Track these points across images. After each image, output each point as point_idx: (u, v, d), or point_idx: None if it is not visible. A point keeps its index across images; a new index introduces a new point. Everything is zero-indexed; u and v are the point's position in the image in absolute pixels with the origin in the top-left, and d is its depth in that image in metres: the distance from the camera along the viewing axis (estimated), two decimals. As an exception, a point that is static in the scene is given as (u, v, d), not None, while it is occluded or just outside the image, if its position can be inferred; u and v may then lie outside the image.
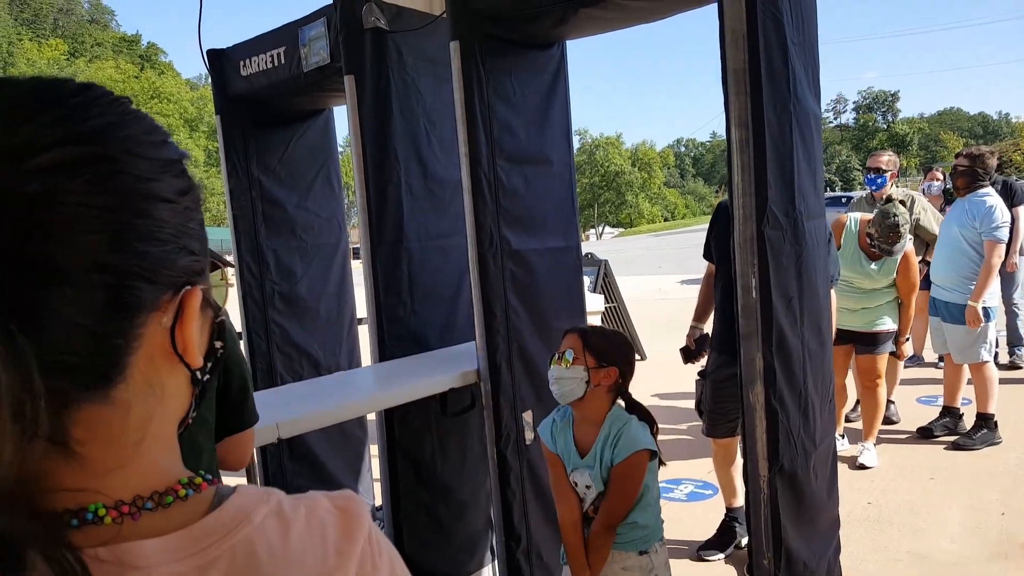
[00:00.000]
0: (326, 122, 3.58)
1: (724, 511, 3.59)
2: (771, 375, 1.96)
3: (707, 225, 3.50)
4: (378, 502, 4.02)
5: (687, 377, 6.93)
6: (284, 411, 2.03)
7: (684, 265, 19.24)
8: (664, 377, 6.84)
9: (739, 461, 3.54)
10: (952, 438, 4.73)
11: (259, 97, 3.20)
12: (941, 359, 6.40)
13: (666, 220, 63.18)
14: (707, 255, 3.54)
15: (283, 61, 2.99)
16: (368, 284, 2.83)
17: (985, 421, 4.61)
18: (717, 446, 3.51)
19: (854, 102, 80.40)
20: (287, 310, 3.48)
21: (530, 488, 2.58)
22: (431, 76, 2.94)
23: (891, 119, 76.00)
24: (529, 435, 2.56)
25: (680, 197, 74.68)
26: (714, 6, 1.97)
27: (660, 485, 4.36)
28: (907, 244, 4.24)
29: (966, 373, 4.83)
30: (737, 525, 3.53)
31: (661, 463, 2.10)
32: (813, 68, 2.17)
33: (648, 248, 28.83)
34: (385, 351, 2.86)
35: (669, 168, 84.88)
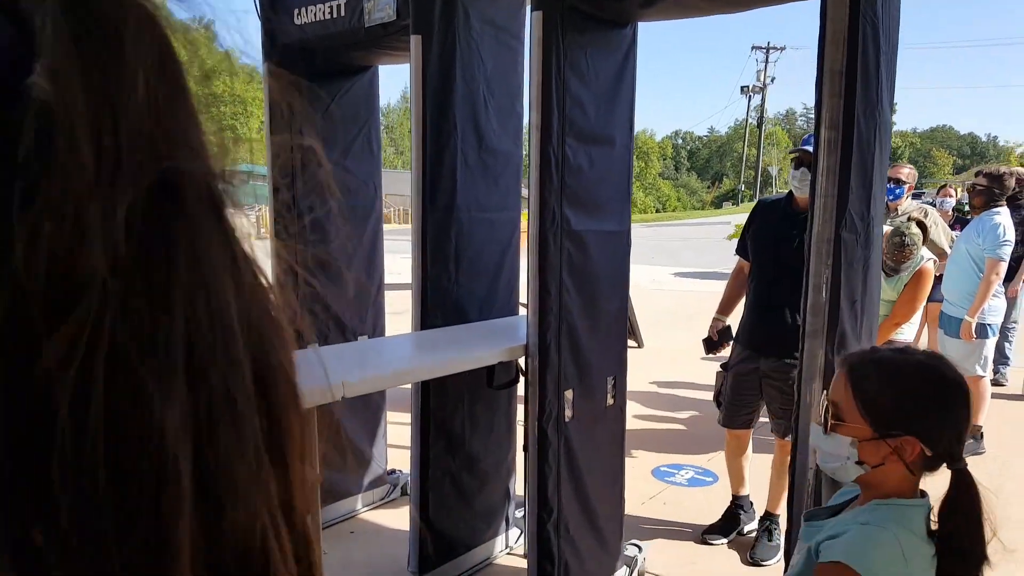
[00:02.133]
0: (371, 80, 3.54)
1: (729, 498, 3.67)
2: (829, 373, 2.00)
3: (700, 220, 3.56)
4: (390, 466, 4.06)
5: (684, 366, 7.07)
6: (347, 372, 2.03)
7: (676, 257, 19.38)
8: (662, 366, 6.93)
9: (749, 452, 3.62)
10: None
11: (311, 47, 3.15)
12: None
13: (658, 211, 63.36)
14: (741, 251, 3.58)
15: (343, 13, 2.93)
16: (416, 251, 2.83)
17: (973, 432, 4.74)
18: (731, 436, 3.57)
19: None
20: (318, 271, 3.35)
21: (564, 465, 2.61)
22: (494, 41, 2.91)
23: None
24: (568, 413, 2.59)
25: (673, 190, 74.85)
26: (802, 3, 1.97)
27: (660, 469, 4.50)
28: (921, 263, 4.27)
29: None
30: (742, 512, 3.61)
31: None
32: (891, 77, 2.18)
33: (642, 238, 28.81)
34: (427, 320, 2.87)
35: (666, 159, 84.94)
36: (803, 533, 1.40)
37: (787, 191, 3.38)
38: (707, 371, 6.85)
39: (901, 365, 1.24)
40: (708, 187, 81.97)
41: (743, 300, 3.51)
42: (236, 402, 0.30)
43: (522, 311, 3.31)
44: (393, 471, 4.06)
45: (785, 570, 2.16)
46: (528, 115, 2.40)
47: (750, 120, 67.23)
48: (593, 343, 2.67)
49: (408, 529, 3.54)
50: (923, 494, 1.28)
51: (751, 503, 3.66)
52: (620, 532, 3.02)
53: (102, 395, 0.26)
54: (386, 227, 3.67)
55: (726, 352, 3.60)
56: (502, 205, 3.08)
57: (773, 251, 3.27)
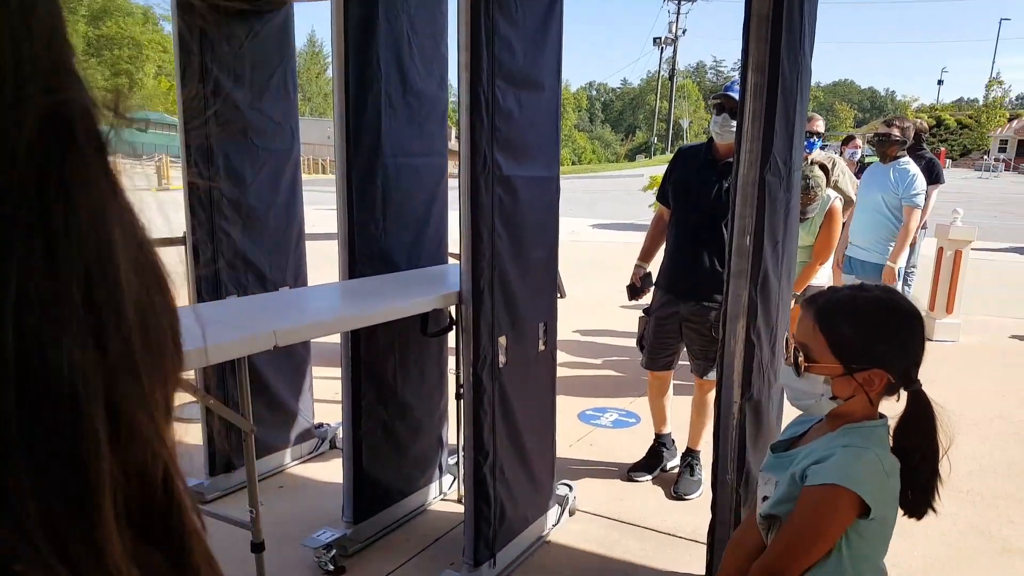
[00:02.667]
0: (285, 20, 3.36)
1: (652, 438, 3.81)
2: (753, 311, 2.08)
3: (615, 173, 3.63)
4: (317, 420, 4.00)
5: (605, 316, 7.23)
6: (279, 320, 1.97)
7: (593, 209, 19.61)
8: (584, 315, 7.06)
9: (671, 392, 3.76)
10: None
11: (224, -14, 2.97)
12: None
13: (573, 163, 63.72)
14: (661, 198, 3.65)
15: (259, -52, 2.77)
16: (341, 197, 2.75)
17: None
18: (653, 378, 3.70)
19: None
20: (234, 217, 3.31)
21: (499, 410, 2.64)
22: (416, -17, 2.82)
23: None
24: (502, 359, 2.61)
25: (589, 142, 75.32)
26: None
27: (586, 413, 4.63)
28: (829, 202, 4.48)
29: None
30: (664, 450, 3.77)
31: (863, 512, 1.28)
32: (812, 24, 2.24)
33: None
34: (355, 269, 2.81)
35: (581, 111, 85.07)
36: (772, 464, 1.47)
37: (707, 138, 3.45)
38: (627, 319, 7.05)
39: (862, 303, 1.32)
40: (622, 140, 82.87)
41: (664, 247, 3.60)
42: (132, 346, 0.30)
43: (451, 261, 3.29)
44: (321, 425, 4.01)
45: (714, 503, 2.27)
46: (457, 55, 2.34)
47: (662, 72, 68.02)
48: (524, 290, 2.69)
49: (339, 481, 3.52)
50: (881, 416, 1.39)
51: (673, 441, 3.82)
52: (552, 473, 3.10)
53: (12, 342, 0.26)
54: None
55: (648, 298, 3.69)
56: (428, 150, 3.02)
57: (693, 197, 3.34)
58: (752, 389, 2.14)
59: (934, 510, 1.37)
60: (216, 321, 2.07)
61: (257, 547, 2.07)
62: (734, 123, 3.10)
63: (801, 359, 1.34)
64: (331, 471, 3.73)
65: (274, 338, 1.85)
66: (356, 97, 2.67)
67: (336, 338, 3.01)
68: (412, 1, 2.80)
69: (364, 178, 2.76)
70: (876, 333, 1.31)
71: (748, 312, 2.07)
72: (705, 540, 3.04)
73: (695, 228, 3.31)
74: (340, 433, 3.98)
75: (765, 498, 1.44)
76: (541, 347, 2.87)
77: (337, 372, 5.11)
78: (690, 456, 3.62)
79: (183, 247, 3.16)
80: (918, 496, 1.35)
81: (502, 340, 2.60)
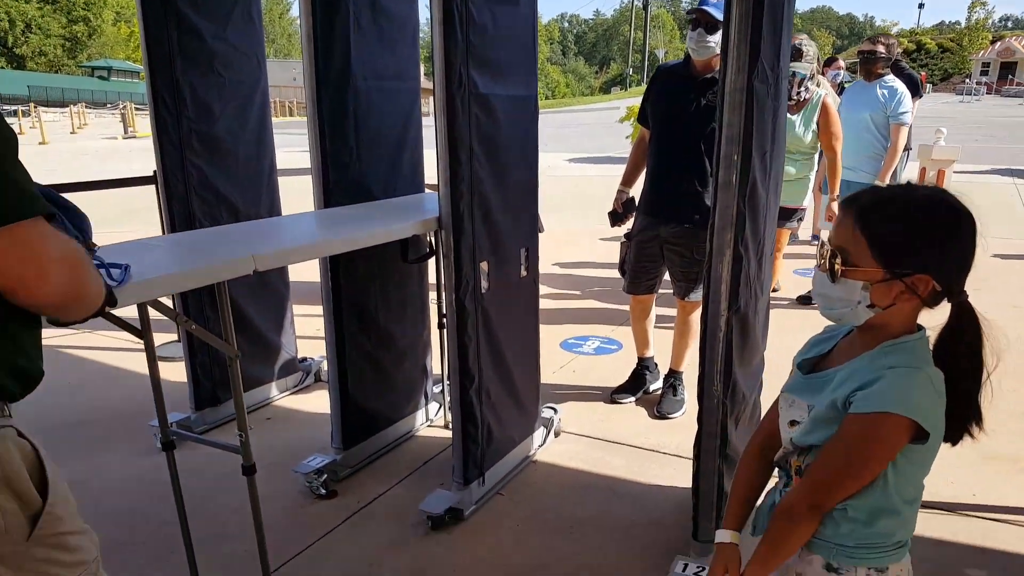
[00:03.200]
0: (248, -59, 3.20)
1: (634, 362, 3.84)
2: (741, 223, 2.06)
3: (590, 106, 3.55)
4: (301, 354, 3.99)
5: (585, 248, 7.23)
6: (258, 244, 1.92)
7: (569, 143, 19.40)
8: (563, 248, 7.06)
9: (652, 316, 3.77)
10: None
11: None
12: (815, 237, 6.96)
13: (547, 98, 62.68)
14: (642, 120, 3.58)
15: None
16: (312, 125, 2.66)
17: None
18: (635, 302, 3.70)
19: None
20: (204, 151, 3.21)
21: (483, 335, 2.63)
22: None
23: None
24: (484, 284, 2.58)
25: (562, 75, 73.97)
26: None
27: (568, 341, 4.65)
28: (820, 100, 4.49)
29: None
30: (647, 373, 3.81)
31: (918, 437, 1.18)
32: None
33: (531, 124, 28.68)
34: (330, 199, 2.74)
35: (553, 43, 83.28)
36: (801, 385, 1.34)
37: (685, 55, 3.37)
38: (606, 251, 7.06)
39: (911, 200, 1.19)
40: (596, 72, 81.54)
41: (645, 170, 3.55)
42: None
43: (428, 191, 3.23)
44: (305, 359, 4.00)
45: (700, 414, 2.28)
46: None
47: (636, 2, 66.52)
48: (505, 214, 2.64)
49: (326, 412, 3.53)
50: (920, 327, 1.26)
51: (656, 364, 3.86)
52: (537, 396, 3.12)
53: None
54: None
55: (631, 224, 3.67)
56: (400, 74, 2.92)
57: (673, 115, 3.28)
58: (739, 302, 2.13)
59: (972, 435, 1.24)
60: (192, 248, 2.01)
61: (248, 470, 2.07)
62: (710, 38, 3.11)
63: (838, 263, 1.20)
64: (317, 403, 3.74)
65: (253, 263, 1.81)
66: (323, 19, 2.55)
67: (314, 275, 2.97)
68: (378, -87, 2.66)
69: (335, 104, 2.67)
70: (925, 233, 1.17)
71: (736, 224, 2.05)
72: (689, 455, 3.12)
73: (675, 147, 3.26)
74: (324, 366, 3.99)
75: (793, 423, 1.32)
76: (523, 272, 2.85)
77: (317, 309, 5.08)
78: (673, 377, 3.66)
79: (155, 184, 3.07)
80: (956, 421, 1.22)
81: (484, 265, 2.57)
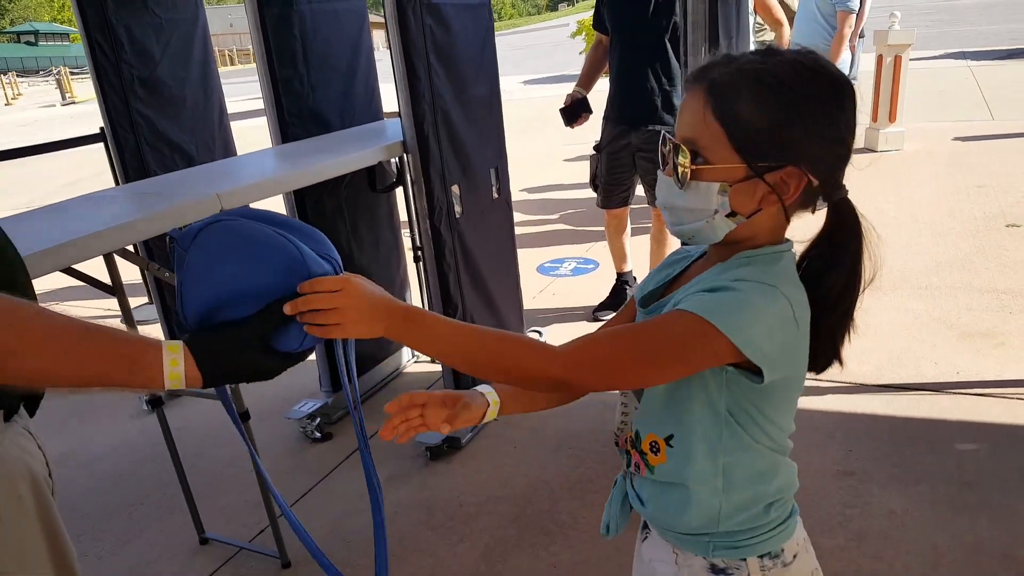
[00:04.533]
0: None
1: (613, 278, 3.84)
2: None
3: (539, 25, 3.42)
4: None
5: (549, 171, 7.14)
6: (220, 183, 1.83)
7: (522, 66, 18.99)
8: (528, 173, 6.96)
9: (628, 229, 3.74)
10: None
11: None
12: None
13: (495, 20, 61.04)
14: (598, 25, 3.48)
15: None
16: (259, 52, 2.52)
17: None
18: (610, 216, 3.66)
19: None
20: (150, 98, 3.05)
21: (462, 261, 2.58)
22: None
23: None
24: (458, 209, 2.51)
25: (507, -6, 71.81)
26: None
27: (544, 265, 4.62)
28: None
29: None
30: (627, 287, 3.81)
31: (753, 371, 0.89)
32: None
33: (482, 52, 27.99)
34: (287, 132, 2.63)
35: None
36: (642, 317, 1.04)
37: None
38: (571, 173, 6.97)
39: (774, 71, 0.88)
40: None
41: (603, 74, 3.45)
42: None
43: (386, 119, 3.12)
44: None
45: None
46: None
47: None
48: (471, 132, 2.56)
49: (309, 358, 3.50)
50: (786, 240, 0.97)
51: (635, 278, 3.85)
52: (521, 319, 3.10)
53: None
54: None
55: (587, 127, 3.57)
56: (345, -7, 2.77)
57: (628, 14, 3.18)
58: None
59: (840, 361, 1.00)
60: (154, 194, 1.91)
61: (243, 416, 2.03)
62: None
63: (685, 161, 0.89)
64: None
65: (218, 201, 1.72)
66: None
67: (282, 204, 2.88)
68: None
69: (280, 28, 2.52)
70: (798, 111, 0.88)
71: (707, 117, 2.00)
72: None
73: (636, 47, 3.17)
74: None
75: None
76: (495, 195, 2.78)
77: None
78: None
79: (103, 141, 2.92)
80: (824, 342, 0.96)
81: (455, 189, 2.49)
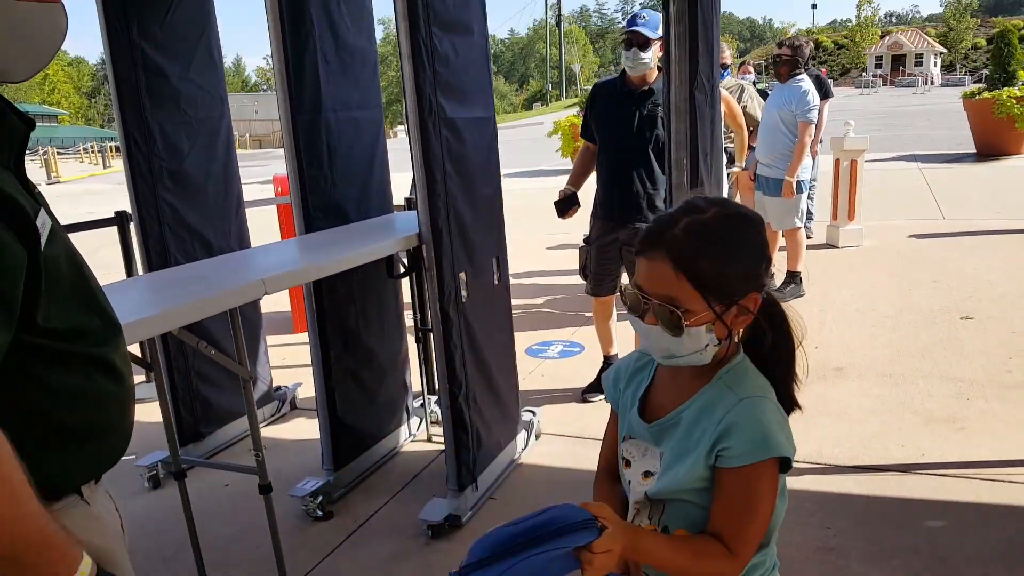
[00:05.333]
0: (203, -15, 3.32)
1: (599, 362, 4.07)
2: (696, 219, 2.30)
3: (515, 123, 3.80)
4: (276, 383, 4.06)
5: (531, 258, 7.47)
6: (262, 270, 2.05)
7: (535, 157, 19.69)
8: (515, 260, 7.16)
9: (614, 315, 4.00)
10: (765, 294, 5.59)
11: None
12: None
13: (471, 117, 63.03)
14: (585, 135, 3.85)
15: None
16: (290, 155, 2.80)
17: (793, 278, 5.49)
18: (598, 304, 3.93)
19: (640, 3, 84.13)
20: (175, 188, 3.30)
21: (467, 342, 2.80)
22: (337, -64, 2.86)
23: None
24: (464, 293, 2.76)
25: (483, 94, 74.60)
26: None
27: (532, 348, 4.85)
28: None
29: (779, 241, 5.69)
30: None
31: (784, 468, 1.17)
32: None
33: (459, 144, 28.90)
34: (311, 222, 2.88)
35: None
36: (642, 430, 1.24)
37: (619, 72, 3.68)
38: (552, 260, 7.30)
39: (712, 226, 1.12)
40: (517, 90, 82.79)
41: (595, 178, 3.80)
42: None
43: (396, 212, 3.40)
44: (280, 388, 4.08)
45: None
46: (393, 6, 2.42)
47: (549, 20, 68.00)
48: (477, 227, 2.83)
49: (307, 438, 3.63)
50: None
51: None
52: (517, 399, 3.30)
53: None
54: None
55: (575, 219, 3.86)
56: (364, 103, 3.09)
57: (617, 128, 3.57)
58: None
59: (799, 407, 1.23)
60: (198, 280, 2.12)
61: (265, 488, 2.18)
62: (644, 55, 3.44)
63: (679, 315, 1.09)
64: (297, 430, 3.82)
65: (263, 286, 1.94)
66: (294, 56, 2.71)
67: (278, 306, 3.08)
68: (335, -45, 2.84)
69: (309, 134, 2.82)
70: (742, 255, 1.13)
71: (691, 220, 2.29)
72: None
73: (624, 156, 3.55)
74: (299, 394, 4.08)
75: (648, 474, 1.22)
76: (496, 281, 3.04)
77: (284, 339, 5.17)
78: None
79: (130, 224, 3.15)
80: (783, 399, 1.20)
81: (463, 275, 2.74)
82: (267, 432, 3.85)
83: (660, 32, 3.38)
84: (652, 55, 3.47)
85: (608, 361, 4.05)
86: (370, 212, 3.17)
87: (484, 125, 2.87)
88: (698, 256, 1.09)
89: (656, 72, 3.55)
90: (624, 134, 3.53)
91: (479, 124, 2.83)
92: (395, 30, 2.42)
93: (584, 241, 3.86)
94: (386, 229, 2.90)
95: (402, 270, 3.05)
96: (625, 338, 4.05)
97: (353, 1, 2.97)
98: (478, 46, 2.80)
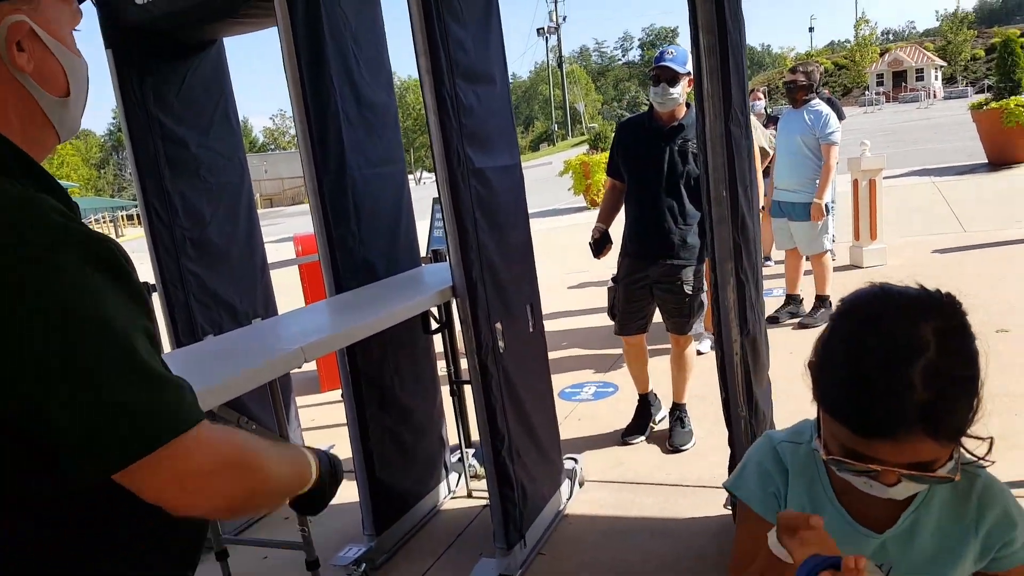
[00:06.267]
0: (218, 53, 3.34)
1: (635, 400, 3.97)
2: (738, 253, 2.24)
3: (524, 165, 3.67)
4: (316, 444, 3.99)
5: (553, 299, 7.39)
6: (300, 338, 2.00)
7: (547, 197, 19.78)
8: (565, 298, 7.20)
9: (646, 354, 3.90)
10: (796, 320, 5.49)
11: (158, 27, 2.93)
12: (766, 258, 7.29)
13: (478, 161, 63.73)
14: (613, 173, 3.79)
15: (191, -15, 2.76)
16: (317, 216, 2.77)
17: (822, 302, 5.39)
18: (628, 344, 3.85)
19: (639, 39, 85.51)
20: (199, 257, 3.28)
21: (507, 394, 2.73)
22: (353, -1, 2.88)
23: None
24: (501, 344, 2.69)
25: (488, 138, 75.55)
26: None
27: (565, 391, 4.76)
28: None
29: (804, 265, 5.60)
30: (651, 408, 3.94)
31: None
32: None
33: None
34: (341, 283, 2.84)
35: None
36: (871, 546, 1.09)
37: (647, 109, 3.63)
38: (577, 300, 7.24)
39: (957, 362, 0.96)
40: (523, 132, 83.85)
41: (625, 215, 3.73)
42: None
43: (424, 264, 3.36)
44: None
45: (731, 439, 2.38)
46: (416, 61, 2.41)
47: (550, 62, 69.12)
48: (509, 275, 2.78)
49: (344, 501, 3.53)
50: None
51: (656, 396, 3.99)
52: (559, 448, 3.21)
53: None
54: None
55: (610, 257, 3.80)
56: (388, 158, 3.07)
57: (647, 165, 3.52)
58: (748, 325, 2.30)
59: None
60: (234, 352, 2.07)
61: (312, 564, 2.10)
62: (673, 90, 3.38)
63: (932, 468, 0.95)
64: (335, 492, 3.73)
65: (302, 354, 1.89)
66: (316, 117, 2.70)
67: (305, 366, 3.03)
68: (351, 17, 2.85)
69: (335, 193, 2.79)
70: (978, 364, 0.98)
71: (734, 255, 2.23)
72: (710, 484, 3.23)
73: (655, 192, 3.49)
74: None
75: None
76: (531, 328, 2.97)
77: (313, 399, 5.11)
78: (677, 410, 3.80)
79: (154, 294, 3.12)
80: None
81: (498, 326, 2.68)
82: (303, 497, 3.76)
83: (688, 67, 3.34)
84: (681, 90, 3.42)
85: (645, 399, 3.95)
86: (399, 267, 3.13)
87: (511, 172, 2.84)
88: (955, 411, 0.93)
89: (684, 108, 3.50)
90: (656, 171, 3.48)
91: (506, 172, 2.80)
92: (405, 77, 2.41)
93: (612, 280, 3.79)
94: (418, 284, 2.85)
95: (435, 324, 2.99)
96: (657, 376, 3.96)
97: (371, 57, 2.97)
98: (500, 95, 2.78)
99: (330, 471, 1.14)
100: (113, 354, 0.77)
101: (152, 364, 0.82)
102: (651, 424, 3.92)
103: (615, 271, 3.78)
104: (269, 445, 0.98)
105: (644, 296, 3.65)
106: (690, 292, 3.52)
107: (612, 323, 3.87)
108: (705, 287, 3.66)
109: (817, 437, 1.03)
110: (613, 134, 3.89)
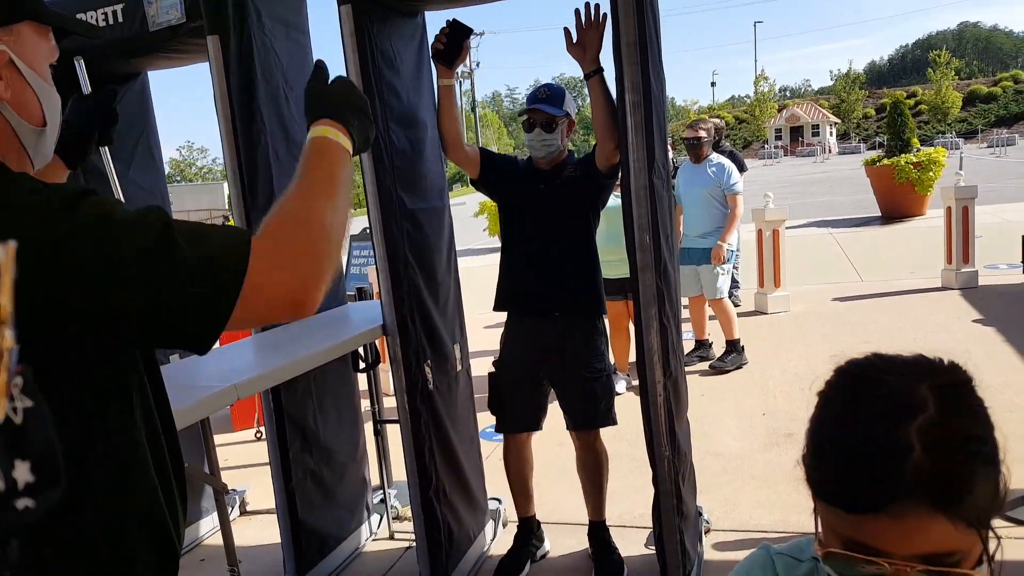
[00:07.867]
0: (143, 86, 3.29)
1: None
2: (661, 298, 2.36)
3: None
4: (231, 485, 3.85)
5: (472, 339, 7.40)
6: (229, 375, 1.97)
7: (462, 237, 19.82)
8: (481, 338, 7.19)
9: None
10: (707, 364, 5.72)
11: (85, 60, 2.86)
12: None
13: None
14: (482, 153, 3.38)
15: (121, 20, 2.72)
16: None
17: (733, 346, 5.65)
18: (512, 448, 3.07)
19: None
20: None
21: (434, 434, 2.74)
22: (285, 39, 2.90)
23: (581, 103, 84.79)
24: (430, 383, 2.72)
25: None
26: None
27: (485, 431, 4.76)
28: None
29: (707, 310, 5.88)
30: (534, 541, 3.14)
31: None
32: (660, 45, 2.59)
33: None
34: (266, 321, 2.80)
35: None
36: None
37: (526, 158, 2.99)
38: (493, 339, 7.25)
39: (967, 423, 0.79)
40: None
41: (501, 263, 2.94)
42: None
43: (347, 303, 3.36)
44: (228, 492, 3.86)
45: (655, 478, 2.43)
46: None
47: (463, 105, 70.21)
48: (438, 315, 2.82)
49: (261, 543, 3.44)
50: None
51: (538, 523, 3.19)
52: (484, 489, 3.23)
53: None
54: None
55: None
56: (317, 198, 3.07)
57: (532, 211, 2.82)
58: (671, 367, 2.41)
59: None
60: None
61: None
62: (549, 136, 2.74)
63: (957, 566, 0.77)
64: (249, 534, 3.61)
65: (235, 392, 1.86)
66: (247, 155, 2.69)
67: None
68: (284, 59, 2.87)
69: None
70: (992, 427, 0.81)
71: (658, 300, 2.35)
72: (633, 523, 3.30)
73: (545, 237, 2.81)
74: (247, 498, 3.88)
75: None
76: (458, 367, 3.01)
77: (225, 438, 4.93)
78: (601, 531, 3.01)
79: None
80: None
81: (427, 365, 2.71)
82: (216, 540, 3.62)
83: (567, 108, 2.81)
84: (560, 134, 2.80)
85: (526, 525, 3.09)
86: (324, 304, 3.11)
87: (440, 214, 2.90)
88: (969, 476, 0.75)
89: (565, 153, 2.88)
90: (540, 218, 2.81)
91: (435, 213, 2.85)
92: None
93: (493, 364, 2.98)
94: (345, 322, 2.85)
95: (362, 364, 2.99)
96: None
97: (301, 99, 2.99)
98: (431, 138, 2.85)
99: (356, 117, 1.23)
100: (170, 236, 0.89)
101: (192, 228, 0.94)
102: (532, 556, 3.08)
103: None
104: (293, 186, 1.08)
105: (537, 373, 2.96)
106: (598, 360, 2.86)
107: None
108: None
109: (816, 542, 0.85)
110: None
